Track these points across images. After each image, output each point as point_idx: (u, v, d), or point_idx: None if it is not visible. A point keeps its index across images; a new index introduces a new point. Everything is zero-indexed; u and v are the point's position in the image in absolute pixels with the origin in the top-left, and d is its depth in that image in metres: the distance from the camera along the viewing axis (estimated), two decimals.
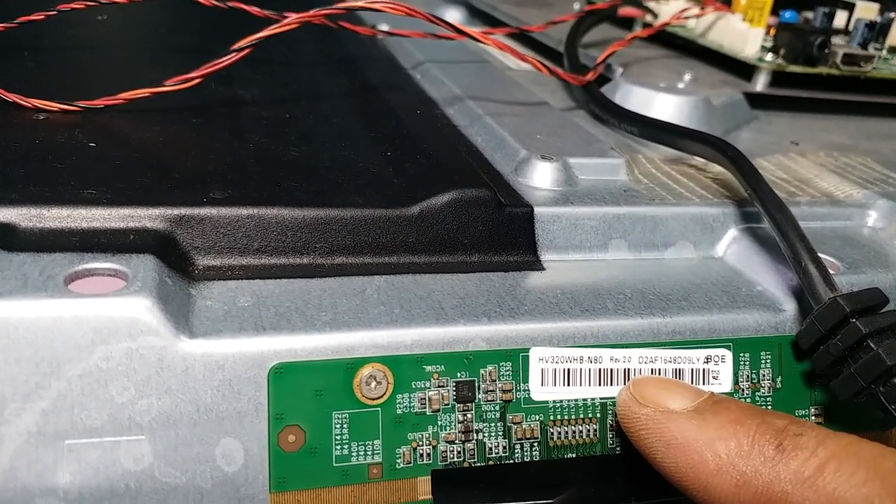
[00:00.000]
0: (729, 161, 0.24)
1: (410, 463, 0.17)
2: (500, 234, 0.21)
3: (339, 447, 0.17)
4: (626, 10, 0.40)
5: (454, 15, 0.51)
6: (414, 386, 0.17)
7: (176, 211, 0.19)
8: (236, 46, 0.25)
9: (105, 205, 0.18)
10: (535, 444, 0.18)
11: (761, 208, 0.22)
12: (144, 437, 0.16)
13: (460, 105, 0.30)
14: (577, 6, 0.52)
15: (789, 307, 0.21)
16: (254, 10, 0.29)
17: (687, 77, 0.35)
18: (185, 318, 0.16)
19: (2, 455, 0.15)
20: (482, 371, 0.18)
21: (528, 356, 0.18)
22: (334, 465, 0.17)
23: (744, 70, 0.37)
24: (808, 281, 0.20)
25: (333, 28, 0.33)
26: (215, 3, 0.30)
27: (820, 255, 0.20)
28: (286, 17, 0.27)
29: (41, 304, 0.15)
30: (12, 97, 0.24)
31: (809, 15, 0.45)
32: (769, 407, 0.20)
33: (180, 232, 0.18)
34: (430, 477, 0.17)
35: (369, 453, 0.17)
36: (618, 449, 0.19)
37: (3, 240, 0.17)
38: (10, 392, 0.15)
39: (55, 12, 0.29)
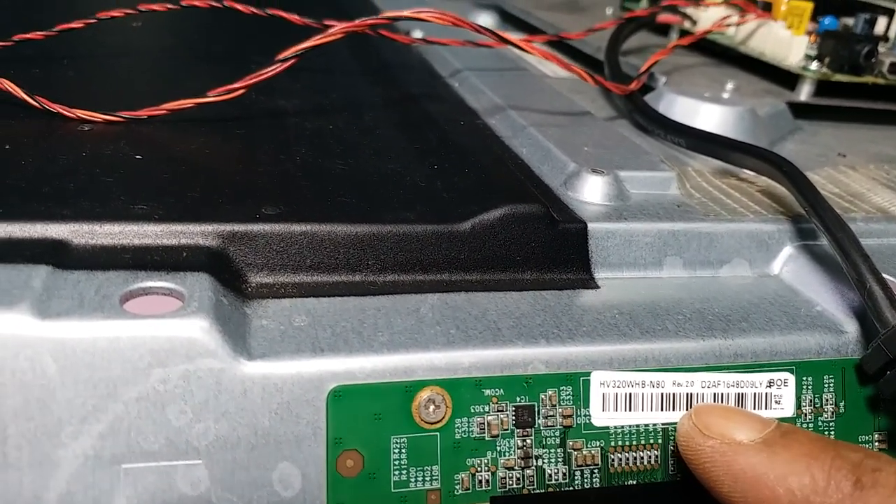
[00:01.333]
0: (785, 176, 0.23)
1: (469, 490, 0.17)
2: (554, 251, 0.21)
3: (397, 473, 0.16)
4: (665, 17, 0.39)
5: (486, 20, 0.50)
6: (473, 410, 0.17)
7: (229, 227, 0.18)
8: (281, 57, 0.24)
9: (157, 221, 0.18)
10: (596, 470, 0.18)
11: (820, 226, 0.21)
12: (201, 461, 0.15)
13: (502, 115, 0.30)
14: (609, 11, 0.52)
15: (851, 329, 0.20)
16: (293, 17, 0.29)
17: (730, 86, 0.34)
18: (243, 339, 0.16)
19: (59, 478, 0.15)
20: (542, 395, 0.17)
21: (588, 380, 0.18)
22: (393, 491, 0.16)
23: (786, 78, 0.36)
24: (873, 303, 0.19)
25: (370, 35, 0.33)
26: (254, 10, 0.29)
27: (883, 275, 0.20)
28: (328, 26, 0.26)
29: (99, 325, 0.15)
30: (57, 107, 0.24)
31: (849, 21, 0.44)
32: (832, 433, 0.20)
33: (233, 249, 0.18)
34: (488, 503, 0.17)
35: (428, 479, 0.17)
36: (679, 476, 0.18)
37: (56, 257, 0.17)
38: (68, 414, 0.15)
39: (95, 20, 0.29)
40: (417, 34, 0.38)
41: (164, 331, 0.15)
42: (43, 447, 0.15)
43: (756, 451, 0.16)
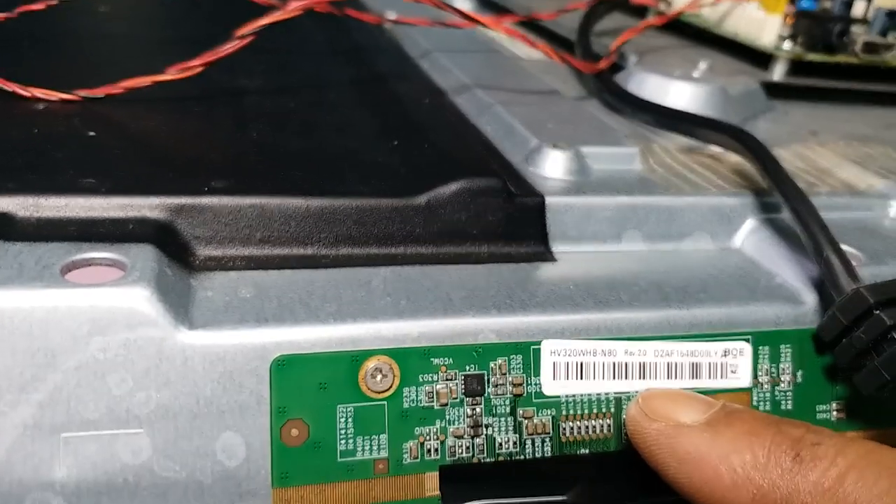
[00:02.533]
0: (748, 150, 0.23)
1: (418, 458, 0.17)
2: (511, 225, 0.21)
3: (343, 441, 0.16)
4: None
5: (462, 3, 0.50)
6: (421, 379, 0.17)
7: (176, 200, 0.18)
8: (239, 34, 0.24)
9: (104, 194, 0.18)
10: (547, 439, 0.18)
11: (781, 198, 0.21)
12: (143, 430, 0.15)
13: (469, 94, 0.29)
14: None
15: (809, 299, 0.20)
16: None
17: (702, 66, 0.34)
18: (185, 309, 0.16)
19: None
20: (492, 364, 0.17)
21: (539, 349, 0.18)
22: (339, 459, 0.16)
23: (760, 59, 0.36)
24: (829, 271, 0.19)
25: (339, 16, 0.32)
26: None
27: (842, 246, 0.19)
28: (289, 4, 0.26)
29: (37, 294, 0.15)
30: (11, 86, 0.23)
31: (827, 4, 0.44)
32: (790, 403, 0.19)
33: (180, 222, 0.18)
34: (437, 473, 0.17)
35: (375, 448, 0.16)
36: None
37: (0, 229, 0.17)
38: (6, 384, 0.15)
39: (56, 2, 0.29)
40: (390, 15, 0.38)
41: (104, 300, 0.15)
42: None
43: (699, 431, 0.16)
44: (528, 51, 0.38)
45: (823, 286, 0.20)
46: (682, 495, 0.16)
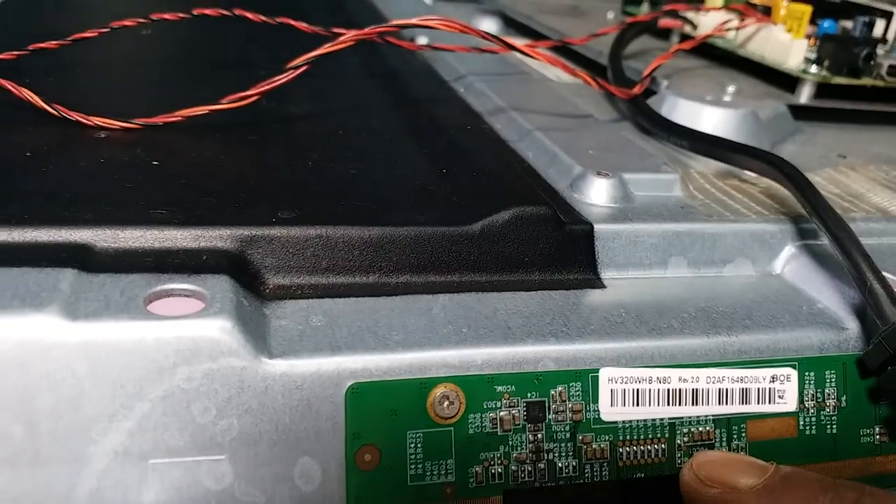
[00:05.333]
0: (786, 178, 0.24)
1: (483, 483, 0.17)
2: (561, 252, 0.21)
3: (413, 466, 0.17)
4: (666, 22, 0.40)
5: (490, 25, 0.51)
6: (485, 406, 0.17)
7: (246, 231, 0.19)
8: (293, 64, 0.25)
9: (177, 225, 0.18)
10: (605, 464, 0.18)
11: (822, 226, 0.22)
12: (225, 456, 0.16)
13: (507, 119, 0.30)
14: (610, 15, 0.53)
15: (851, 325, 0.21)
16: (302, 25, 0.30)
17: (731, 89, 0.35)
18: (263, 339, 0.17)
19: (89, 474, 0.15)
20: (552, 391, 0.18)
21: (597, 377, 0.18)
22: (409, 483, 0.17)
23: (786, 81, 0.37)
24: (874, 301, 0.20)
25: (375, 42, 0.33)
26: (263, 18, 0.30)
27: (884, 273, 0.20)
28: (337, 34, 0.27)
29: (125, 326, 0.16)
30: (74, 115, 0.24)
31: (847, 24, 0.44)
32: (834, 426, 0.20)
33: (251, 252, 0.19)
34: (502, 497, 0.17)
35: (443, 473, 0.17)
36: None
37: (81, 260, 0.17)
38: (97, 413, 0.15)
39: (108, 29, 0.30)
40: (422, 40, 0.39)
41: (189, 331, 0.16)
42: (74, 444, 0.15)
43: (757, 497, 0.16)
44: (557, 73, 0.39)
45: (865, 313, 0.21)
46: None
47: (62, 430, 0.15)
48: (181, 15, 0.30)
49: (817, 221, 0.22)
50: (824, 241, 0.24)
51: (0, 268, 0.16)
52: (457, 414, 0.17)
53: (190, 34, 0.38)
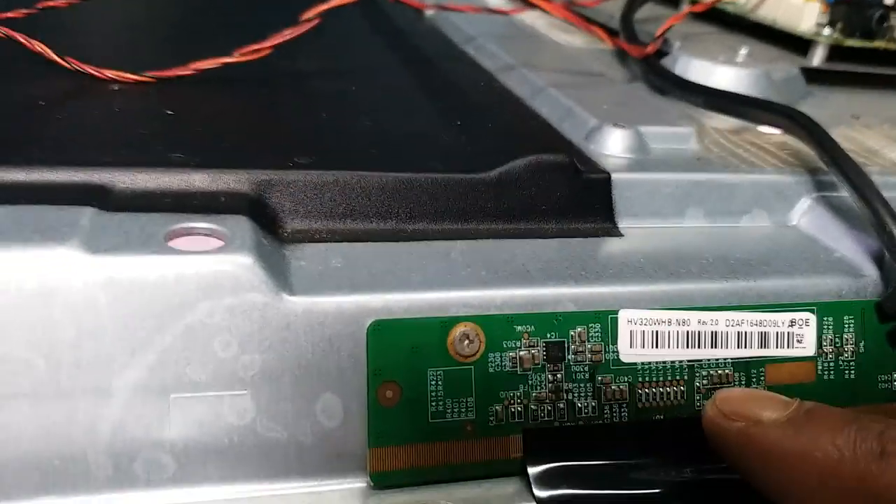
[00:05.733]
0: (803, 130, 0.23)
1: (503, 421, 0.17)
2: (578, 200, 0.21)
3: (434, 403, 0.17)
4: None
5: None
6: (505, 345, 0.17)
7: (264, 175, 0.19)
8: (306, 17, 0.25)
9: (194, 168, 0.18)
10: (624, 405, 0.18)
11: (840, 175, 0.22)
12: (247, 392, 0.16)
13: (519, 77, 0.30)
14: None
15: (870, 272, 0.21)
16: None
17: (743, 51, 0.34)
18: (284, 277, 0.17)
19: (112, 408, 0.15)
20: (572, 332, 0.18)
21: (616, 318, 0.18)
22: (430, 421, 0.17)
23: (798, 45, 0.36)
24: (893, 246, 0.20)
25: (382, 3, 0.33)
26: None
27: None
28: None
29: (146, 260, 0.15)
30: (87, 68, 0.24)
31: None
32: (852, 371, 0.20)
33: (269, 195, 0.19)
34: (521, 435, 0.17)
35: (463, 410, 0.17)
36: None
37: (100, 200, 0.17)
38: (118, 347, 0.15)
39: None
40: (430, 1, 0.39)
41: (210, 266, 0.16)
42: (95, 377, 0.15)
43: (782, 428, 0.16)
44: (567, 38, 0.39)
45: (883, 260, 0.21)
46: (765, 495, 0.16)
47: (84, 363, 0.15)
48: None
49: (835, 170, 0.22)
50: (840, 193, 0.24)
51: (20, 206, 0.16)
52: (477, 352, 0.17)
53: None
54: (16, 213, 0.16)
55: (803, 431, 0.16)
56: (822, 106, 0.34)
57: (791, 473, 0.16)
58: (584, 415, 0.18)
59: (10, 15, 0.28)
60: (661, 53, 0.34)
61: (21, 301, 0.15)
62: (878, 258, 0.21)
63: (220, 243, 0.16)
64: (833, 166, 0.22)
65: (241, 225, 0.17)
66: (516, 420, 0.17)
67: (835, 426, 0.15)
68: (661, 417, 0.18)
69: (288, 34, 0.24)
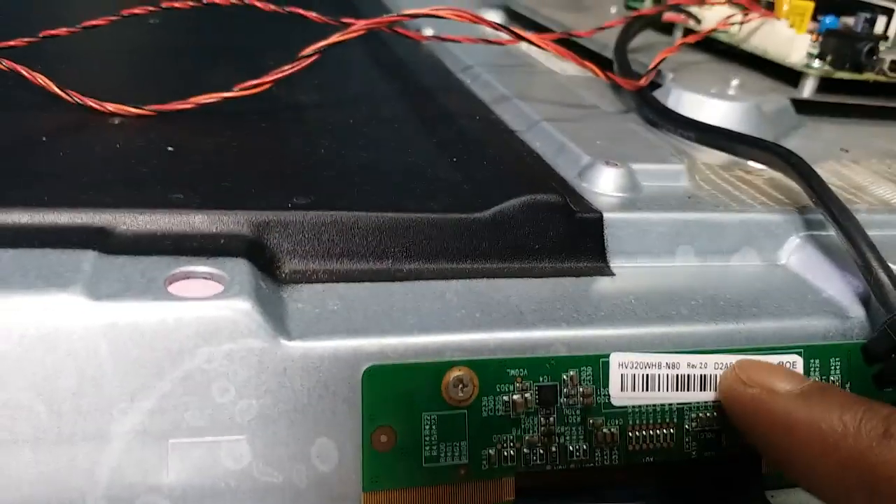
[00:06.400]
0: (792, 168, 0.24)
1: (496, 465, 0.18)
2: (571, 240, 0.22)
3: (428, 448, 0.17)
4: (671, 16, 0.40)
5: (494, 17, 0.51)
6: (498, 389, 0.18)
7: (263, 216, 0.19)
8: (304, 53, 0.25)
9: (194, 209, 0.19)
10: (615, 448, 0.18)
11: (828, 216, 0.22)
12: (244, 436, 0.16)
13: (515, 109, 0.30)
14: (613, 9, 0.53)
15: (856, 314, 0.21)
16: (312, 15, 0.30)
17: (734, 83, 0.35)
18: (282, 321, 0.17)
19: (110, 453, 0.15)
20: (564, 376, 0.18)
21: (608, 361, 0.18)
22: (424, 465, 0.17)
23: (789, 75, 0.37)
24: (879, 290, 0.20)
25: (381, 32, 0.33)
26: (274, 8, 0.30)
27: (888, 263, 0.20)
28: (347, 24, 0.27)
29: (146, 307, 0.16)
30: (88, 101, 0.24)
31: (849, 20, 0.45)
32: None
33: (268, 236, 0.19)
34: (514, 478, 0.18)
35: (457, 454, 0.17)
36: (694, 454, 0.19)
37: (101, 242, 0.17)
38: (118, 392, 0.16)
39: (119, 17, 0.30)
40: (428, 32, 0.39)
41: (209, 312, 0.16)
42: (95, 423, 0.15)
43: (794, 398, 0.17)
44: (562, 65, 0.39)
45: (869, 302, 0.21)
46: (770, 460, 0.17)
47: (84, 409, 0.15)
48: (191, 3, 0.31)
49: (823, 211, 0.22)
50: (828, 231, 0.24)
51: (22, 249, 0.17)
52: (470, 397, 0.18)
53: (197, 23, 0.38)
54: (19, 257, 0.16)
55: (813, 404, 0.17)
56: (812, 137, 0.34)
57: (797, 442, 0.17)
58: (575, 458, 0.18)
59: (11, 43, 0.28)
60: (655, 85, 0.34)
61: (23, 347, 0.15)
62: (864, 299, 0.21)
63: (220, 287, 0.17)
64: (821, 206, 0.22)
65: (240, 268, 0.17)
66: (509, 464, 0.18)
67: (844, 404, 0.16)
68: (651, 460, 0.19)
69: (287, 70, 0.25)
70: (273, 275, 0.19)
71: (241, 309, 0.16)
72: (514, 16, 0.51)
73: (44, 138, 0.22)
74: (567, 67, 0.39)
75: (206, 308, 0.16)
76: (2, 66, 0.24)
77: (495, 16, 0.50)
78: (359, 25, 0.25)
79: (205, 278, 0.17)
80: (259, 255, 0.18)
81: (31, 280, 0.16)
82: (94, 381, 0.15)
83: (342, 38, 0.25)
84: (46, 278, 0.16)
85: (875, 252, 0.20)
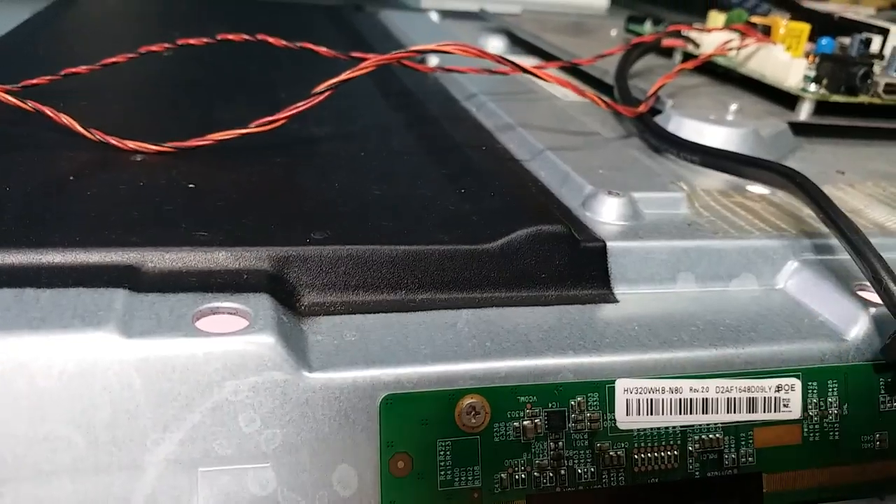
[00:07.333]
0: (798, 188, 0.25)
1: (508, 488, 0.18)
2: (576, 268, 0.23)
3: (443, 473, 0.18)
4: (670, 42, 0.41)
5: (496, 43, 0.52)
6: (509, 415, 0.19)
7: (283, 252, 0.20)
8: (317, 90, 0.26)
9: (218, 246, 0.20)
10: (621, 470, 0.19)
11: (835, 230, 0.23)
12: (269, 464, 0.17)
13: (519, 138, 0.31)
14: (613, 32, 0.54)
15: (851, 336, 0.22)
16: (323, 50, 0.31)
17: (733, 108, 0.36)
18: (303, 353, 0.18)
19: (144, 482, 0.16)
20: (572, 402, 0.19)
21: (613, 387, 0.19)
22: (439, 489, 0.18)
23: (786, 99, 0.38)
24: (889, 298, 0.21)
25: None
26: (285, 43, 0.31)
27: None
28: (356, 59, 0.28)
29: (177, 343, 0.17)
30: (111, 140, 0.25)
31: (845, 40, 0.46)
32: (837, 433, 0.21)
33: (288, 271, 0.20)
34: (525, 501, 0.19)
35: (470, 479, 0.18)
36: (696, 474, 0.20)
37: (130, 280, 0.18)
38: (151, 424, 0.16)
39: (137, 55, 0.31)
40: (434, 61, 0.40)
41: (236, 346, 0.17)
42: (130, 453, 0.16)
43: None
44: (563, 91, 0.40)
45: (863, 324, 0.22)
46: None
47: (120, 440, 0.16)
48: (206, 40, 0.32)
49: (830, 226, 0.23)
50: (823, 256, 0.25)
51: (59, 288, 0.18)
52: (483, 423, 0.18)
53: (210, 57, 0.39)
54: (56, 297, 0.17)
55: None
56: (809, 160, 0.35)
57: None
58: (584, 480, 0.19)
59: (34, 81, 0.29)
60: (654, 111, 0.35)
61: (62, 382, 0.16)
62: (859, 323, 0.22)
63: (245, 322, 0.18)
64: (828, 222, 0.23)
65: (263, 303, 0.18)
66: (520, 487, 0.19)
67: None
68: (656, 481, 0.20)
69: (302, 106, 0.26)
70: (293, 307, 0.20)
71: (265, 343, 0.17)
72: (515, 40, 0.52)
73: (71, 177, 0.23)
74: (568, 93, 0.40)
75: (232, 343, 0.17)
76: (28, 108, 0.25)
77: (498, 41, 0.51)
78: (370, 62, 0.26)
79: (230, 313, 0.18)
80: (280, 289, 0.19)
81: (68, 319, 0.17)
82: (129, 414, 0.16)
83: (353, 74, 0.26)
84: (82, 317, 0.17)
85: (883, 262, 0.21)
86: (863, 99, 0.37)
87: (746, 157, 0.28)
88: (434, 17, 0.60)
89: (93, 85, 0.31)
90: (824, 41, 0.43)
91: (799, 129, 0.37)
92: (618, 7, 0.73)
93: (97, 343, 0.16)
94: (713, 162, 0.29)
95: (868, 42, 0.43)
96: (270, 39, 0.31)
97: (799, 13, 0.53)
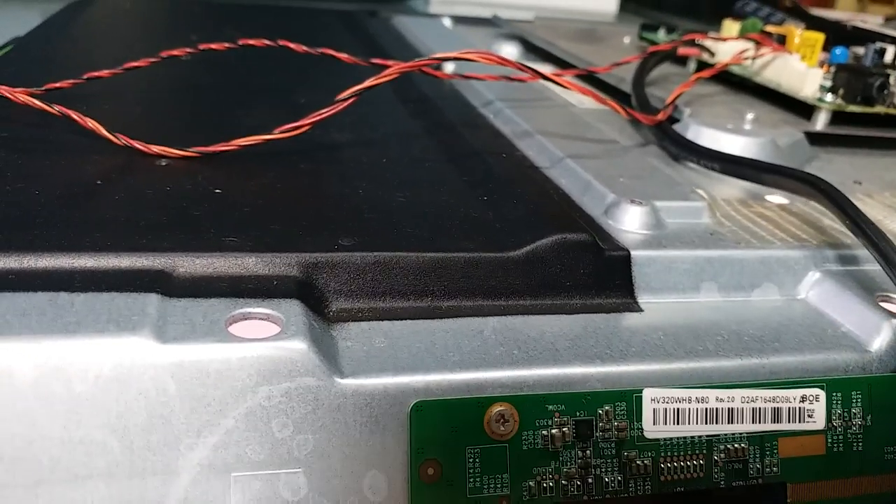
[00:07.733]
0: (823, 195, 0.25)
1: (536, 496, 0.19)
2: (600, 277, 0.23)
3: (472, 480, 0.18)
4: (686, 51, 0.41)
5: (510, 50, 0.52)
6: (538, 424, 0.19)
7: (312, 258, 0.20)
8: (341, 97, 0.26)
9: (248, 252, 0.20)
10: (648, 479, 0.19)
11: (862, 238, 0.23)
12: (301, 469, 0.17)
13: (538, 146, 0.32)
14: (626, 39, 0.54)
15: (874, 348, 0.22)
16: (343, 56, 0.31)
17: (749, 117, 0.36)
18: (335, 359, 0.18)
19: (178, 486, 0.16)
20: (599, 410, 0.19)
21: (641, 397, 0.19)
22: (468, 496, 0.18)
23: (802, 108, 0.38)
24: None
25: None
26: (307, 49, 0.31)
27: None
28: (377, 65, 0.28)
29: (211, 348, 0.17)
30: (136, 144, 0.25)
31: (859, 50, 0.46)
32: (860, 444, 0.21)
33: (317, 277, 0.20)
34: None
35: (499, 486, 0.18)
36: (722, 483, 0.20)
37: (162, 285, 0.18)
38: (185, 428, 0.17)
39: (158, 59, 0.31)
40: (450, 67, 0.40)
41: (269, 352, 0.17)
42: (164, 458, 0.16)
43: None
44: (579, 98, 0.40)
45: (885, 335, 0.22)
46: None
47: (154, 445, 0.16)
48: (227, 45, 0.32)
49: (857, 233, 0.23)
50: (845, 266, 0.25)
51: (92, 293, 0.18)
52: (511, 431, 0.18)
53: (232, 61, 0.39)
54: (90, 301, 0.17)
55: None
56: (825, 170, 0.35)
57: None
58: (611, 489, 0.19)
59: (58, 85, 0.30)
60: (672, 119, 0.36)
61: (98, 387, 0.16)
62: (881, 333, 0.22)
63: (277, 328, 0.18)
64: (854, 228, 0.23)
65: (294, 309, 0.18)
66: (548, 495, 0.19)
67: None
68: (682, 490, 0.20)
69: (325, 112, 0.26)
70: (322, 313, 0.20)
71: (298, 349, 0.17)
72: (530, 47, 0.52)
73: (98, 181, 0.23)
74: (584, 100, 0.40)
75: (266, 349, 0.17)
76: (55, 111, 0.26)
77: (512, 48, 0.52)
78: (393, 69, 0.27)
79: (262, 319, 0.18)
80: (309, 294, 0.19)
81: (103, 324, 0.17)
82: (163, 419, 0.16)
83: (377, 81, 0.26)
84: (117, 322, 0.17)
85: None
86: (879, 109, 0.37)
87: (769, 164, 0.28)
88: (447, 22, 0.60)
89: (113, 88, 0.31)
90: (838, 51, 0.43)
91: (814, 138, 0.37)
92: (625, 13, 0.73)
93: (133, 348, 0.16)
94: (734, 169, 0.29)
95: (882, 52, 0.43)
96: (292, 45, 0.31)
97: (812, 22, 0.53)
